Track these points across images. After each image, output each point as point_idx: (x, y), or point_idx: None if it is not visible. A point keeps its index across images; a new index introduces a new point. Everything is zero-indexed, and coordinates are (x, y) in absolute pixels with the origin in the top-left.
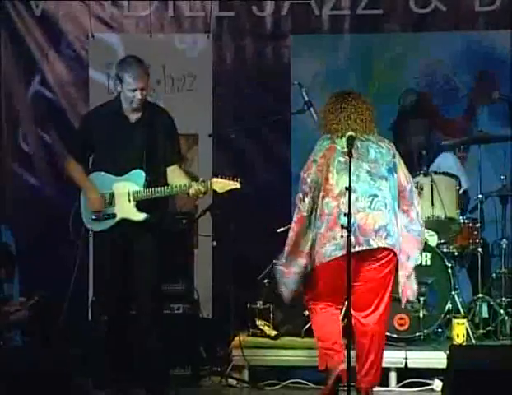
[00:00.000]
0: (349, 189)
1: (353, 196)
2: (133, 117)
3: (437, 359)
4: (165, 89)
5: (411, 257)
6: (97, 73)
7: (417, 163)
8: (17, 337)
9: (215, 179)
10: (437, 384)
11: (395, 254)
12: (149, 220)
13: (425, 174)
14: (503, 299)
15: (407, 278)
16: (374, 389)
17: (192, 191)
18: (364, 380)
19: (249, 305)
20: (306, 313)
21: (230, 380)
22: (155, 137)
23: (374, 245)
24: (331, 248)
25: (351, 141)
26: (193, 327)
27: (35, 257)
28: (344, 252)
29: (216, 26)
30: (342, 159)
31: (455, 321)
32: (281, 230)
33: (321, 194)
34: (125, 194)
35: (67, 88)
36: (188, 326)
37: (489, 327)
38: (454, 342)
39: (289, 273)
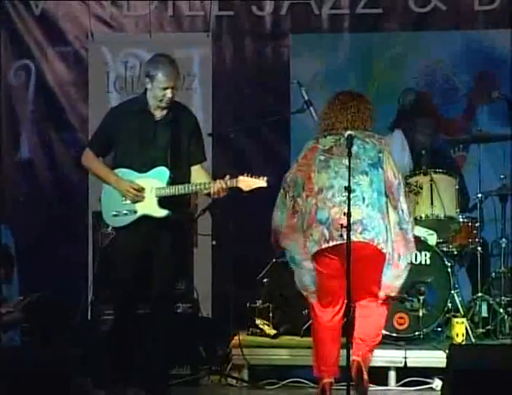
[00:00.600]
0: (348, 189)
1: (330, 192)
2: (159, 114)
3: (437, 358)
4: None
5: (401, 256)
6: (97, 73)
7: (417, 162)
8: (16, 337)
9: (241, 178)
10: (437, 383)
11: (380, 249)
12: (171, 217)
13: (425, 173)
14: (502, 298)
15: (397, 277)
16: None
17: (214, 189)
18: (356, 354)
19: (248, 304)
20: (305, 312)
21: (229, 379)
22: (180, 136)
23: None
24: (310, 245)
25: (350, 140)
26: (192, 327)
27: (35, 258)
28: (318, 247)
29: (216, 26)
30: (322, 157)
31: (455, 320)
32: None
33: (305, 193)
34: (147, 190)
35: (67, 88)
36: (188, 325)
37: (488, 327)
38: (454, 341)
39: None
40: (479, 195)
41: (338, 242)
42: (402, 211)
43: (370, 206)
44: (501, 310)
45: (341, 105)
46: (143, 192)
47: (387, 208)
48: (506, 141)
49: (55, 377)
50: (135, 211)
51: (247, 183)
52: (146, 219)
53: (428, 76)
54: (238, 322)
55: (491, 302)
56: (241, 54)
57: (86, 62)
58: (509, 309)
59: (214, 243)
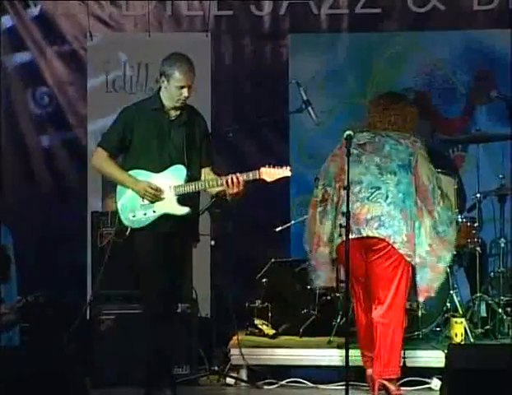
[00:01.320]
0: (347, 188)
1: (358, 187)
2: (173, 114)
3: (435, 358)
4: None
5: (441, 258)
6: (95, 72)
7: None
8: (15, 338)
9: (263, 169)
10: (435, 383)
11: (396, 249)
12: (190, 214)
13: None
14: (501, 298)
15: (435, 280)
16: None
17: (237, 181)
18: (375, 371)
19: (247, 304)
20: (304, 312)
21: (228, 379)
22: (193, 136)
23: (364, 234)
24: (336, 236)
25: (349, 139)
26: (191, 327)
27: (34, 258)
28: (341, 240)
29: (215, 25)
30: (355, 151)
31: (453, 320)
32: (280, 228)
33: (338, 184)
34: (166, 189)
35: (66, 87)
36: (187, 325)
37: (487, 327)
38: (453, 341)
39: (318, 265)
40: (478, 195)
41: (355, 236)
42: (438, 214)
43: (391, 205)
44: (500, 310)
45: (384, 106)
46: (161, 192)
47: (417, 211)
48: (505, 141)
49: (54, 377)
50: (154, 211)
51: (270, 173)
52: (165, 217)
53: (427, 75)
54: (237, 322)
55: (489, 302)
56: (240, 54)
57: (84, 61)
58: (508, 309)
59: (213, 243)
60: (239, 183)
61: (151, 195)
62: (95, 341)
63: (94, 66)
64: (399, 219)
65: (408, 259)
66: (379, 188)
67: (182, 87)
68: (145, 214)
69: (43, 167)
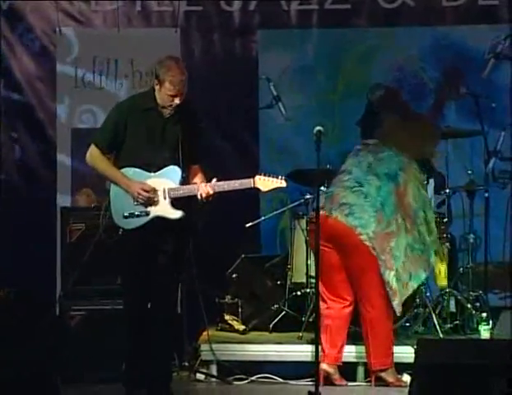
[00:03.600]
0: (318, 189)
1: (347, 176)
2: (167, 112)
3: (405, 353)
4: (133, 84)
5: (413, 275)
6: (65, 68)
7: None
8: None
9: (258, 177)
10: (405, 378)
11: (362, 240)
12: (184, 218)
13: None
14: (470, 293)
15: (403, 295)
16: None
17: (226, 189)
18: (369, 364)
19: (217, 300)
20: (274, 307)
21: (198, 375)
22: (188, 133)
23: (333, 214)
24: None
25: (318, 135)
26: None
27: (2, 254)
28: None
29: (184, 21)
30: (358, 146)
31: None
32: (250, 224)
33: None
34: (160, 191)
35: (35, 83)
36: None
37: (456, 322)
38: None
39: None
40: (447, 190)
41: (325, 213)
42: (418, 233)
43: (368, 203)
44: (469, 305)
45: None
46: (155, 195)
47: (396, 228)
48: (474, 137)
49: (24, 373)
50: (147, 213)
51: (265, 183)
52: (158, 220)
53: (397, 71)
54: (207, 318)
55: (458, 297)
56: (209, 50)
57: (54, 57)
58: (477, 304)
59: None
60: (210, 195)
61: (144, 198)
62: (66, 338)
63: (63, 61)
64: (372, 215)
65: (374, 253)
66: (361, 185)
67: (173, 96)
68: (138, 216)
69: (11, 162)
